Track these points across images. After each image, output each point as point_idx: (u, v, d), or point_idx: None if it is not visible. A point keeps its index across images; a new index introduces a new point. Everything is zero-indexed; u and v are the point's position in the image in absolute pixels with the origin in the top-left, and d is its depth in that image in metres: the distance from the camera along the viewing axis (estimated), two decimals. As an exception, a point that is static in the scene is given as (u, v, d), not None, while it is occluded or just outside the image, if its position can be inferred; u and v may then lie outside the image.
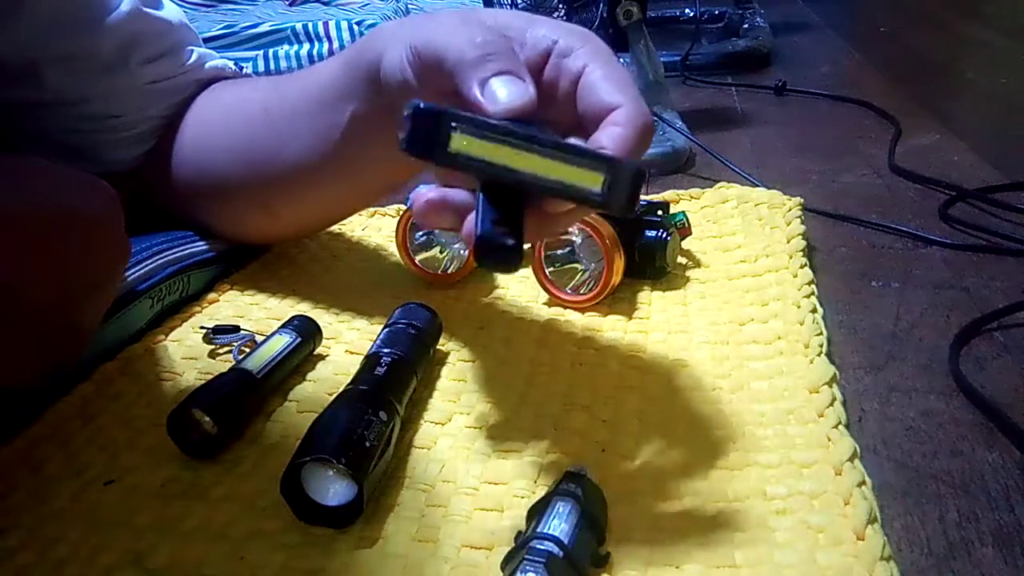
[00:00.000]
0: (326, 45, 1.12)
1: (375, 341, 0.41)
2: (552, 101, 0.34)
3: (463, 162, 0.28)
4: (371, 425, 0.33)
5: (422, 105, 0.28)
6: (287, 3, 1.39)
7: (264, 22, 1.15)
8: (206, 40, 0.75)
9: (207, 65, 0.56)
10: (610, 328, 0.47)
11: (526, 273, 0.52)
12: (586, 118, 0.32)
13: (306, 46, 1.12)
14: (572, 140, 0.29)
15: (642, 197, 0.57)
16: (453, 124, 0.27)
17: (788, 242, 0.53)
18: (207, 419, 0.37)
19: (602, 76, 0.33)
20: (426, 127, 0.28)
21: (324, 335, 0.46)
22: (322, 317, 0.48)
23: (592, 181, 0.27)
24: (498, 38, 0.33)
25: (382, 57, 0.38)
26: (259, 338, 0.45)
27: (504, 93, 0.30)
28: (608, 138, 0.31)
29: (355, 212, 0.61)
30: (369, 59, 0.39)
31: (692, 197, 0.63)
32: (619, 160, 0.27)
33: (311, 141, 0.46)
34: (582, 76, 0.33)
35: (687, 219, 0.54)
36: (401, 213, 0.54)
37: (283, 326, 0.45)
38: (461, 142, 0.28)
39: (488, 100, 0.30)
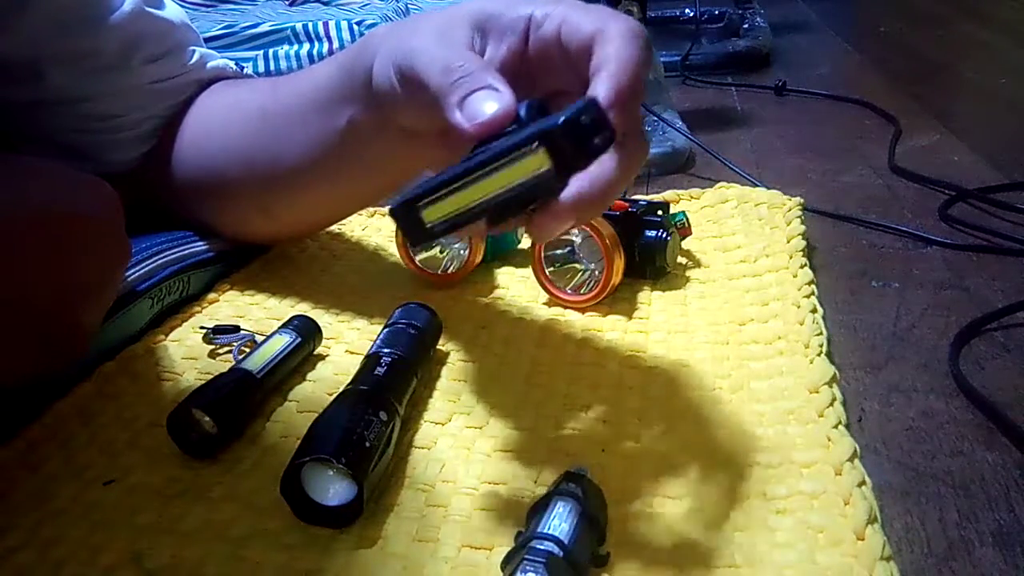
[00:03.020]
0: (326, 45, 1.12)
1: (375, 341, 0.41)
2: (551, 70, 0.34)
3: (445, 227, 0.29)
4: (371, 425, 0.33)
5: (393, 206, 0.29)
6: (287, 3, 1.39)
7: (264, 22, 1.15)
8: (206, 40, 0.75)
9: (208, 65, 0.56)
10: (610, 328, 0.47)
11: (526, 273, 0.52)
12: (579, 62, 0.32)
13: (306, 46, 1.12)
14: (510, 135, 0.29)
15: (642, 197, 0.57)
16: (418, 203, 0.29)
17: (788, 242, 0.53)
18: (207, 419, 0.37)
19: (578, 16, 0.33)
20: (408, 221, 0.29)
21: (324, 335, 0.46)
22: (322, 317, 0.48)
23: (540, 162, 0.27)
24: (467, 56, 0.33)
25: (372, 67, 0.38)
26: (259, 338, 0.45)
27: (481, 106, 0.30)
28: (608, 57, 0.30)
29: (354, 213, 0.61)
30: (363, 66, 0.39)
31: (692, 197, 0.63)
32: (546, 125, 0.27)
33: (308, 144, 0.46)
34: (561, 29, 0.33)
35: (687, 219, 0.54)
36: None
37: (283, 326, 0.45)
38: (431, 214, 0.29)
39: (466, 117, 0.30)
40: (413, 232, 0.30)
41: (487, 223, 0.30)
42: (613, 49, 0.31)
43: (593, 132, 0.27)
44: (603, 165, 0.31)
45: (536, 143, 0.27)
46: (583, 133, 0.27)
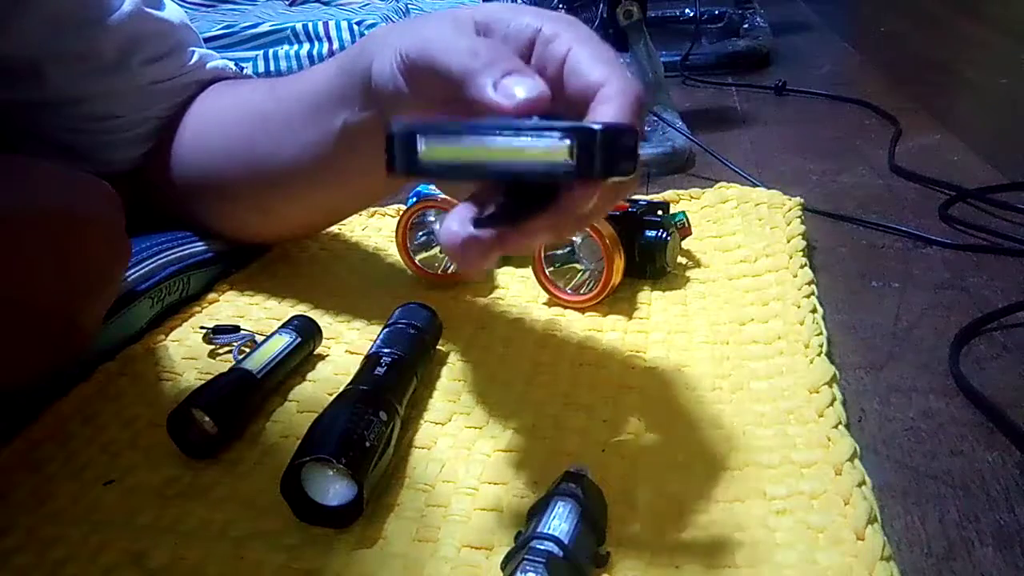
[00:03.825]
0: (326, 45, 1.12)
1: (375, 341, 0.41)
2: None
3: (436, 170, 0.28)
4: (371, 425, 0.33)
5: (393, 128, 0.29)
6: (287, 3, 1.39)
7: (264, 22, 1.15)
8: (206, 40, 0.75)
9: (208, 66, 0.56)
10: (610, 328, 0.47)
11: (526, 273, 0.52)
12: (575, 100, 0.32)
13: (306, 46, 1.12)
14: (540, 120, 0.29)
15: (642, 197, 0.57)
16: (421, 137, 0.28)
17: (788, 242, 0.53)
18: (207, 419, 0.37)
19: (587, 56, 0.32)
20: (402, 147, 0.28)
21: (324, 335, 0.46)
22: (322, 317, 0.48)
23: (559, 154, 0.26)
24: (492, 44, 0.32)
25: (370, 68, 0.38)
26: (259, 338, 0.45)
27: (519, 89, 0.30)
28: (599, 117, 0.30)
29: (353, 214, 0.61)
30: (362, 66, 0.39)
31: (692, 197, 0.63)
32: (584, 126, 0.27)
33: (306, 146, 0.46)
34: (567, 60, 0.33)
35: (687, 219, 0.54)
36: (401, 213, 0.54)
37: (283, 326, 0.45)
38: (431, 152, 0.28)
39: (504, 96, 0.30)
40: (401, 158, 0.28)
41: (499, 220, 0.29)
42: (608, 112, 0.30)
43: (623, 155, 0.27)
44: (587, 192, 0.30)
45: (565, 135, 0.26)
46: (616, 151, 0.27)
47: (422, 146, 0.28)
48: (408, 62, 0.35)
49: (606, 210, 0.32)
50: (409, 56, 0.35)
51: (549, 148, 0.26)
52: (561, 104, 0.33)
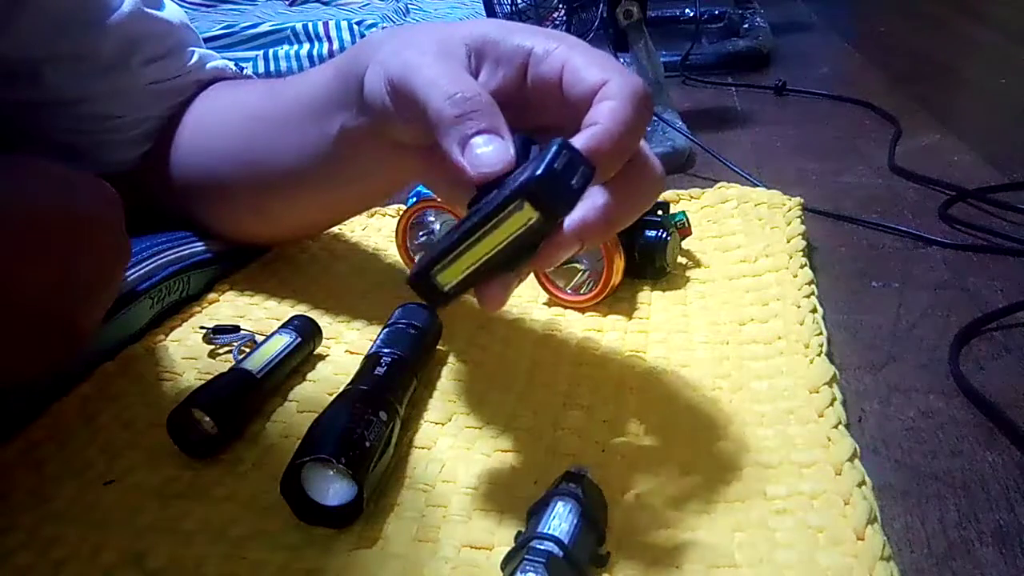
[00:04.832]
0: (326, 45, 1.12)
1: (375, 341, 0.41)
2: (547, 107, 0.34)
3: (459, 288, 0.30)
4: (371, 425, 0.33)
5: (412, 277, 0.30)
6: (287, 3, 1.40)
7: (264, 22, 1.15)
8: (206, 40, 0.75)
9: (208, 66, 0.56)
10: (610, 328, 0.47)
11: (526, 273, 0.52)
12: (578, 108, 0.32)
13: (306, 46, 1.12)
14: (496, 193, 0.29)
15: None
16: (431, 271, 0.30)
17: (788, 242, 0.53)
18: (207, 419, 0.37)
19: (582, 62, 0.32)
20: (427, 288, 0.30)
21: (324, 335, 0.46)
22: (322, 317, 0.48)
23: (526, 215, 0.28)
24: (471, 86, 0.32)
25: (365, 74, 0.38)
26: (259, 338, 0.45)
27: (484, 155, 0.30)
28: (601, 114, 0.30)
29: (351, 216, 0.61)
30: (357, 72, 0.39)
31: (692, 197, 0.63)
32: (522, 182, 0.28)
33: (302, 148, 0.46)
34: (563, 72, 0.32)
35: (687, 219, 0.54)
36: (401, 213, 0.54)
37: (283, 326, 0.45)
38: (445, 279, 0.30)
39: (469, 162, 0.30)
40: (433, 298, 0.30)
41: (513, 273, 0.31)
42: (610, 107, 0.30)
43: (570, 174, 0.28)
44: (601, 195, 0.31)
45: (519, 200, 0.28)
46: (560, 179, 0.27)
47: (437, 278, 0.30)
48: (392, 87, 0.35)
49: (627, 220, 0.32)
50: (393, 82, 0.35)
51: (516, 217, 0.28)
52: (565, 117, 0.33)
